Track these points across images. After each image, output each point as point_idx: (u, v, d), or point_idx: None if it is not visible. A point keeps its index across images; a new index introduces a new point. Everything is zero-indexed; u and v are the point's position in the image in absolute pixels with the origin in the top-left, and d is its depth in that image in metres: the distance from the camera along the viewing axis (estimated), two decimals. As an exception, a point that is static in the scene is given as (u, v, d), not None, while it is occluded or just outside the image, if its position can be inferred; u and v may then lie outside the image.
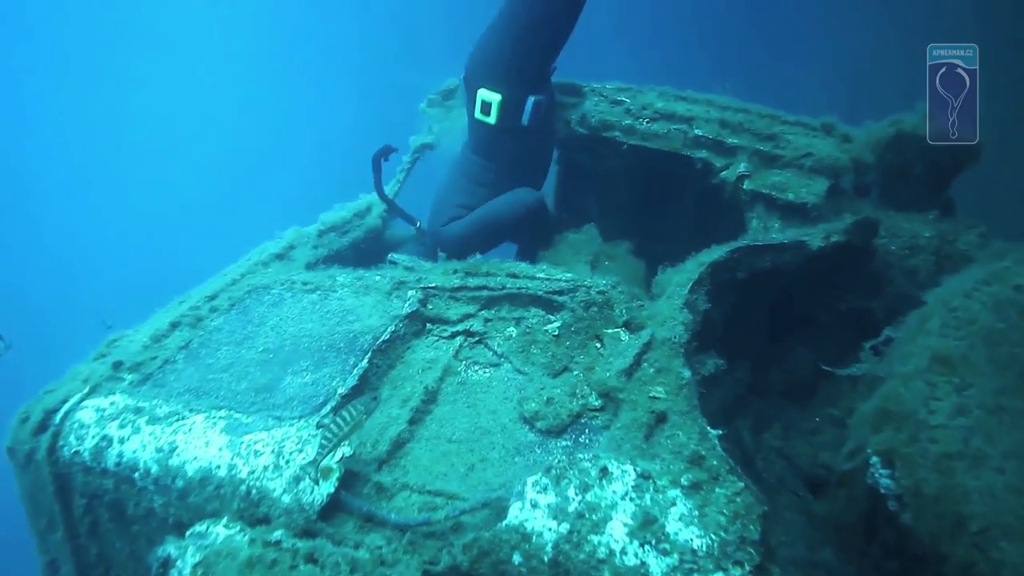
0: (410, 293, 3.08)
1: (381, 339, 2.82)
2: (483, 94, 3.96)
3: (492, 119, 3.96)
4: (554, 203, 4.95)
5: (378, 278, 3.25)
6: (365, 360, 2.72)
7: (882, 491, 2.06)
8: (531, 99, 3.93)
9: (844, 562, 2.65)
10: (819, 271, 3.29)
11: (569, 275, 3.01)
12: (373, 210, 4.45)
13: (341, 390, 2.56)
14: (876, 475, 2.10)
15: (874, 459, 2.13)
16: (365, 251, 4.31)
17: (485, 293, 3.03)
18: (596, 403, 2.43)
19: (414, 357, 2.88)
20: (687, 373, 2.40)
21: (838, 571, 2.67)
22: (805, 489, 3.29)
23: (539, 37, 3.91)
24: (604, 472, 2.00)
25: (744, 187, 3.77)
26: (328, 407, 2.49)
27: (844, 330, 3.42)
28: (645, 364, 2.50)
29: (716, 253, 3.08)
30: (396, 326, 2.90)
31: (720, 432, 2.16)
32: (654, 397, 2.33)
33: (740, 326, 3.31)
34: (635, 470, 2.00)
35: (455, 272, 3.16)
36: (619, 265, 3.83)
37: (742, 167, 3.83)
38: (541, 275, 3.03)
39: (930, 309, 2.48)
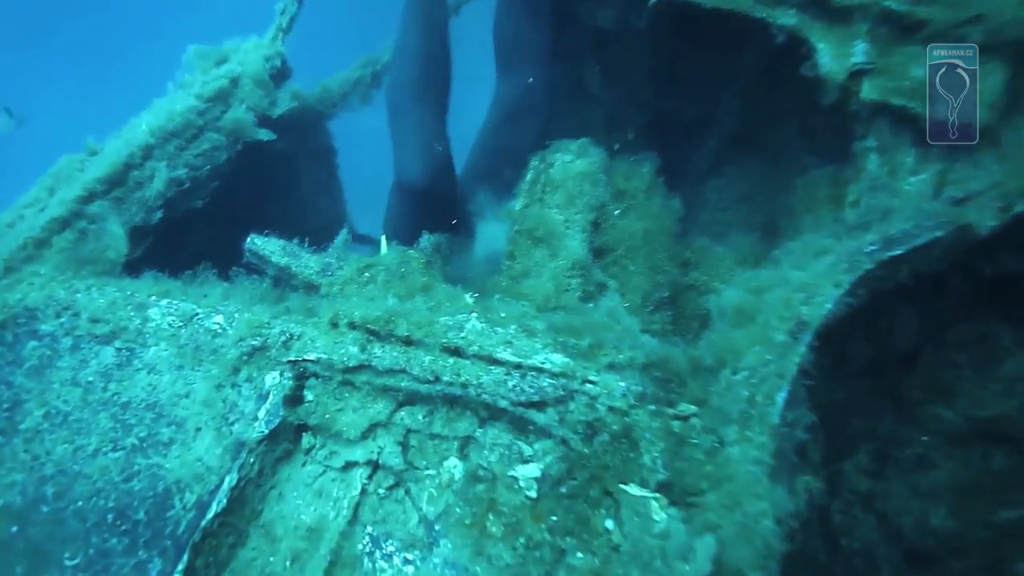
0: (271, 378, 1.70)
1: (211, 513, 1.52)
2: None
3: None
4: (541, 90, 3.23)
5: (218, 322, 1.82)
6: (179, 570, 1.46)
7: None
8: None
9: None
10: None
11: (558, 360, 1.62)
12: (244, 84, 2.76)
13: None
14: None
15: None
16: (247, 166, 2.74)
17: (405, 384, 1.66)
18: None
19: (280, 514, 1.61)
20: None
21: None
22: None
23: None
24: None
25: (861, 93, 2.18)
26: None
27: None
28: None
29: (821, 304, 1.68)
30: (243, 467, 1.59)
31: None
32: None
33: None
34: None
35: (352, 328, 1.74)
36: (640, 228, 2.35)
37: (859, 53, 2.19)
38: (505, 354, 1.64)
39: None
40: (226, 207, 2.68)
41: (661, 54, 2.92)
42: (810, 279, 1.79)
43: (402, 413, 1.68)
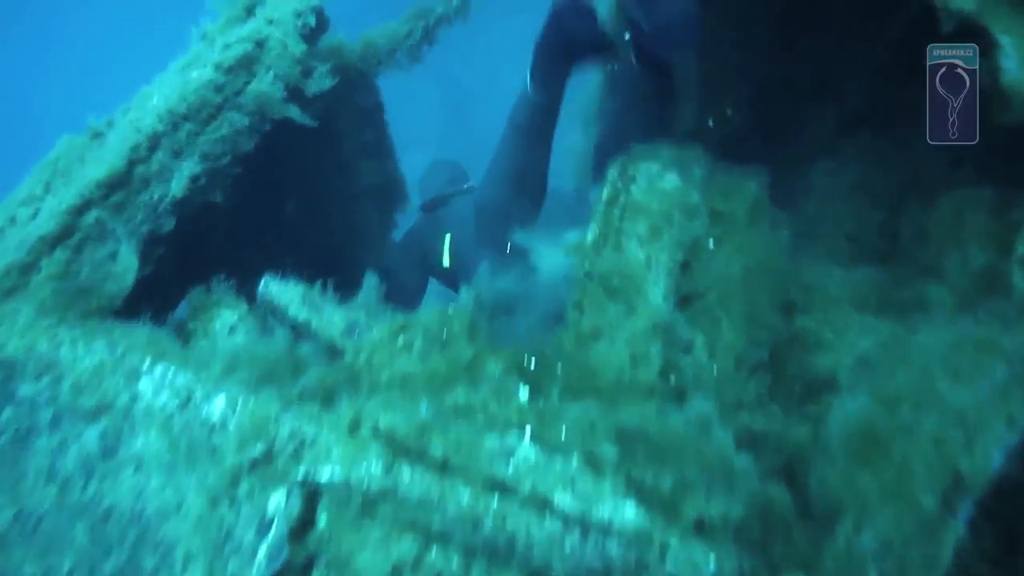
0: (275, 500, 1.39)
1: None
2: None
3: None
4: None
5: (219, 408, 1.50)
6: None
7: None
8: None
9: None
10: None
11: (631, 513, 1.27)
12: (272, 48, 2.32)
13: None
14: None
15: None
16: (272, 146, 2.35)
17: (438, 522, 1.33)
18: None
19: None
20: None
21: None
22: None
23: None
24: None
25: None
26: None
27: None
28: None
29: (987, 456, 1.27)
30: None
31: None
32: None
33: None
34: None
35: (376, 435, 1.40)
36: (738, 268, 1.89)
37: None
38: (564, 498, 1.29)
39: None
40: (252, 185, 2.32)
41: (778, 21, 2.33)
42: (970, 405, 1.35)
43: (433, 555, 1.36)
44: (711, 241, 1.92)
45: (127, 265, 1.86)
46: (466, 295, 1.99)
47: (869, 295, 2.05)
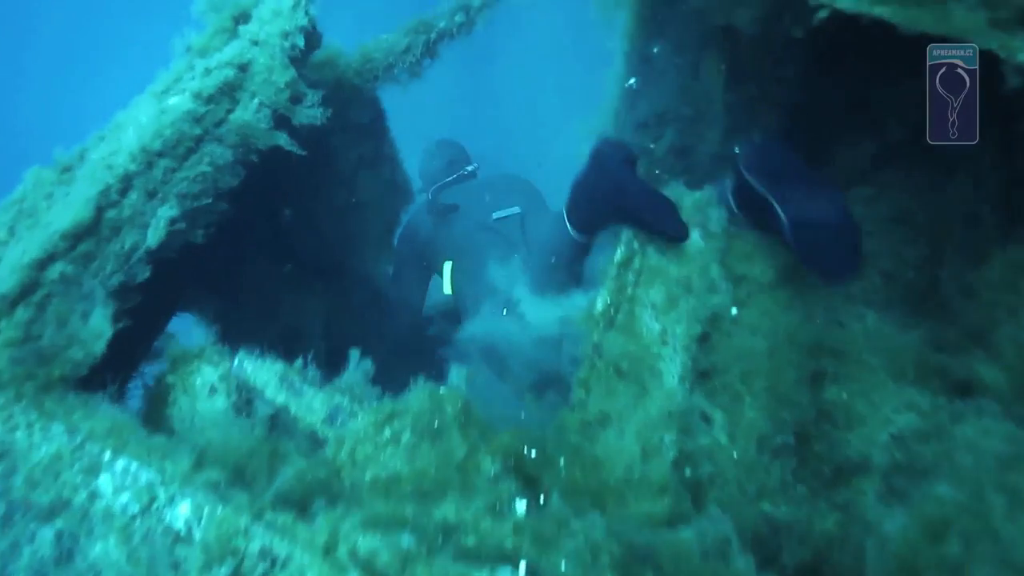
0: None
1: None
2: None
3: None
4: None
5: (183, 515, 1.35)
6: None
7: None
8: None
9: None
10: None
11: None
12: (257, 73, 2.12)
13: None
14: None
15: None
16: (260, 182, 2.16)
17: (420, 668, 1.19)
18: None
19: None
20: None
21: None
22: None
23: None
24: None
25: None
26: None
27: None
28: None
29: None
30: None
31: None
32: None
33: None
34: None
35: (353, 560, 1.25)
36: (764, 343, 1.70)
37: None
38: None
39: None
40: (238, 214, 2.16)
41: (820, 69, 2.11)
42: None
43: None
44: (733, 309, 1.73)
45: (97, 330, 1.70)
46: (455, 376, 1.82)
47: (908, 361, 1.86)
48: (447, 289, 2.92)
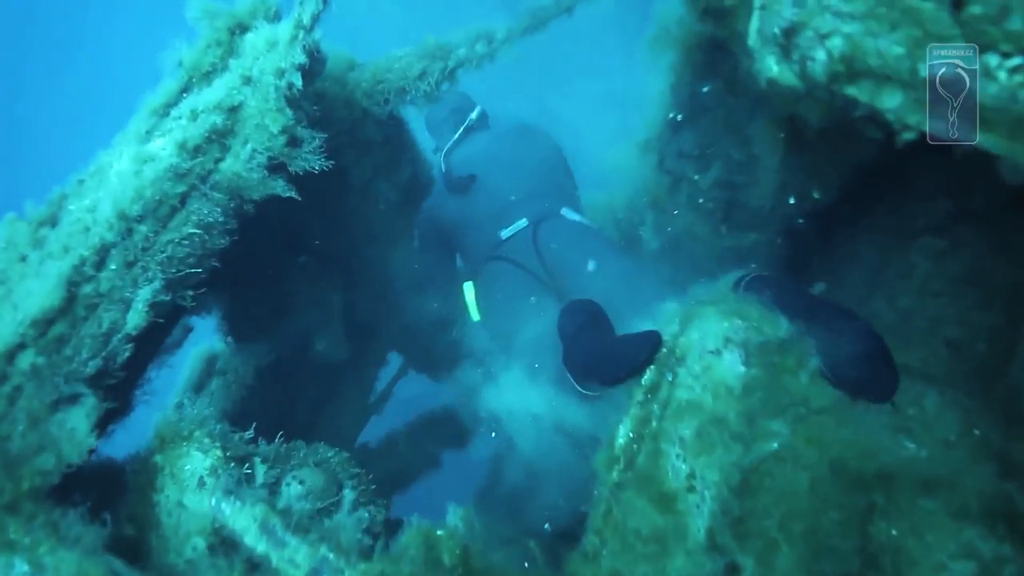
0: None
1: None
2: None
3: None
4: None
5: None
6: None
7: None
8: None
9: None
10: None
11: None
12: (249, 117, 1.87)
13: None
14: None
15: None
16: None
17: None
18: None
19: None
20: None
21: None
22: None
23: None
24: None
25: None
26: None
27: None
28: None
29: None
30: None
31: None
32: None
33: None
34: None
35: None
36: (805, 479, 1.49)
37: None
38: None
39: None
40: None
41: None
42: None
43: None
44: (774, 443, 1.51)
45: (76, 435, 1.56)
46: (453, 517, 1.65)
47: (971, 495, 1.64)
48: (474, 315, 2.73)
